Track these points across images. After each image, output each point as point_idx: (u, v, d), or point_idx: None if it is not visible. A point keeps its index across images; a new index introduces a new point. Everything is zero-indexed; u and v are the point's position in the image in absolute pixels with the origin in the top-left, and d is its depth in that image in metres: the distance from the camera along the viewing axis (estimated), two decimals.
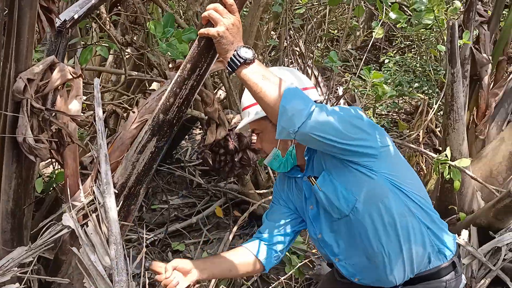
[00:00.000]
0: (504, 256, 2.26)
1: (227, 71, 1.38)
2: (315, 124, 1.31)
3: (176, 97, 1.50)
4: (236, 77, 3.14)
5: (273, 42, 4.29)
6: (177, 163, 4.17)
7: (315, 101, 1.41)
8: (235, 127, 2.22)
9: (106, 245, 1.46)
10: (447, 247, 1.56)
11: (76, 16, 1.82)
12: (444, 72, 5.81)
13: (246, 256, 1.65)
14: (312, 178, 1.53)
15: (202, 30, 1.36)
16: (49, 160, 1.81)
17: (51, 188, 2.19)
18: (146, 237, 3.01)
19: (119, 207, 1.58)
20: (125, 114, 1.97)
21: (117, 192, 1.60)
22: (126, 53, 3.20)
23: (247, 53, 1.32)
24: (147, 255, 1.64)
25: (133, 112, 1.77)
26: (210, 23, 1.34)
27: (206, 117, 2.12)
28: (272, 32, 4.44)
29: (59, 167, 2.28)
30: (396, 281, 1.54)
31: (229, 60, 1.33)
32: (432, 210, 1.56)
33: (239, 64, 1.33)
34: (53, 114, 1.63)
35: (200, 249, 3.20)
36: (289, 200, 1.70)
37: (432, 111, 2.61)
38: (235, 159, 2.21)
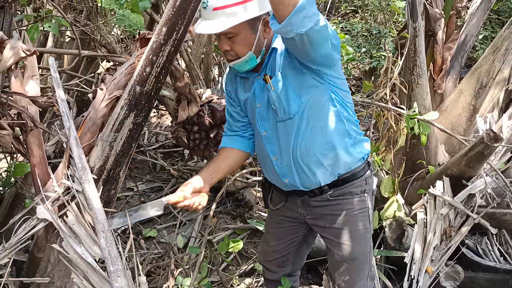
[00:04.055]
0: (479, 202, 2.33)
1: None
2: (317, 34, 1.36)
3: (153, 65, 1.37)
4: (196, 50, 3.01)
5: None
6: (136, 147, 3.96)
7: None
8: (207, 102, 2.11)
9: (94, 235, 1.33)
10: (365, 150, 1.76)
11: None
12: (387, 34, 5.94)
13: (233, 153, 1.83)
14: (268, 77, 1.60)
15: None
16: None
17: (10, 184, 1.98)
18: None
19: (99, 193, 1.44)
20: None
21: (95, 177, 1.46)
22: (71, 32, 2.95)
23: None
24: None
25: (101, 89, 1.61)
26: None
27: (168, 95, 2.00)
28: None
29: (16, 159, 2.07)
30: (321, 181, 1.70)
31: None
32: (356, 120, 1.75)
33: None
34: (10, 97, 1.45)
35: (174, 233, 3.07)
36: (236, 97, 1.79)
37: (397, 67, 2.60)
38: (210, 135, 2.10)
